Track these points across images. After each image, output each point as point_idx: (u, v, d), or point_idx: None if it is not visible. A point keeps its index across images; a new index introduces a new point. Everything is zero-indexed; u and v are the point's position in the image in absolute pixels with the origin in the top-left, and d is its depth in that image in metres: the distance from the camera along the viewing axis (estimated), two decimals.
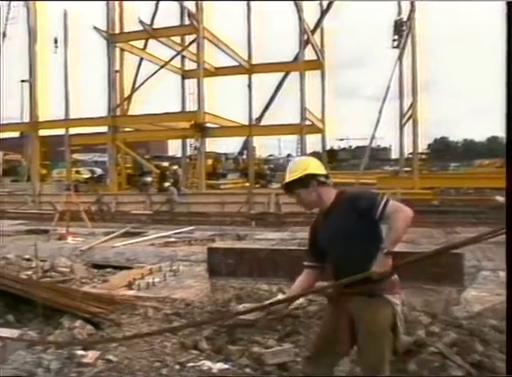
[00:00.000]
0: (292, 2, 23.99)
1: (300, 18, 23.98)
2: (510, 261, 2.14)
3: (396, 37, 26.28)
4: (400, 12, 26.22)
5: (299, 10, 23.85)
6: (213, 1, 27.75)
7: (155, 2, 29.47)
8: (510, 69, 2.21)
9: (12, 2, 30.85)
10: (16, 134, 36.07)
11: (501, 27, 1.95)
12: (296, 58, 25.81)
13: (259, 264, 8.03)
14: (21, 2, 29.04)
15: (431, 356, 4.37)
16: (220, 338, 5.15)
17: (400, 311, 3.10)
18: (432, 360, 4.33)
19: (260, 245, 10.48)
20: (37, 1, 27.23)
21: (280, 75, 29.60)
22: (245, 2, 28.49)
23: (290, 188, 3.12)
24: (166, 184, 22.18)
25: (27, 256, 10.25)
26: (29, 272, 8.78)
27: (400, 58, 25.21)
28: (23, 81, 34.27)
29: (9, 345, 4.38)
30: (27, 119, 29.12)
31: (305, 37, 25.09)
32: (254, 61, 29.00)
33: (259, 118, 29.09)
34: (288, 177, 3.09)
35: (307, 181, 3.04)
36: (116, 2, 26.43)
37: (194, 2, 25.43)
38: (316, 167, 3.12)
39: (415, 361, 4.33)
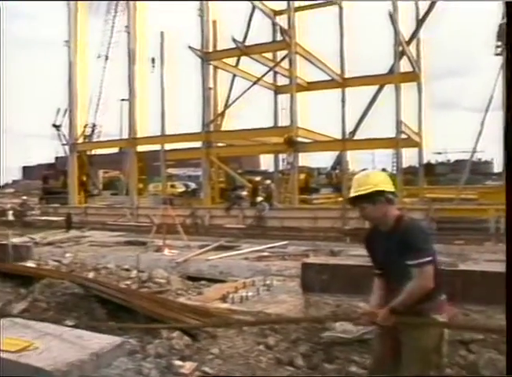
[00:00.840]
0: (386, 14, 23.45)
1: (395, 29, 23.40)
2: (509, 262, 2.21)
3: (499, 43, 24.82)
4: (504, 16, 24.76)
5: (394, 22, 23.28)
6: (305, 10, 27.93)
7: (247, 20, 30.22)
8: (510, 71, 2.17)
9: (116, 28, 32.82)
10: (114, 150, 38.07)
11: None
12: (391, 70, 25.19)
13: (354, 281, 7.78)
14: (123, 28, 30.80)
15: None
16: (316, 355, 5.00)
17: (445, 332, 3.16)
18: None
19: (355, 261, 10.18)
20: (137, 26, 28.78)
21: (375, 87, 29.04)
22: (337, 16, 28.47)
23: (357, 201, 3.13)
24: (259, 198, 22.29)
25: (126, 266, 10.67)
26: (128, 282, 9.10)
27: (504, 66, 23.87)
28: (122, 100, 36.19)
29: (113, 351, 4.51)
30: (125, 136, 30.66)
31: (400, 48, 24.44)
32: (347, 75, 28.79)
33: (353, 132, 28.63)
34: (356, 191, 3.11)
35: (376, 197, 3.06)
36: (210, 22, 27.19)
37: (286, 18, 25.73)
38: (386, 184, 3.10)
39: None
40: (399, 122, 22.45)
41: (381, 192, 3.06)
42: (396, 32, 23.43)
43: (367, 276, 7.61)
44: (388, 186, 3.10)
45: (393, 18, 23.20)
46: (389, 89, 25.35)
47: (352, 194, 3.13)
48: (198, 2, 26.40)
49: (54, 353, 4.32)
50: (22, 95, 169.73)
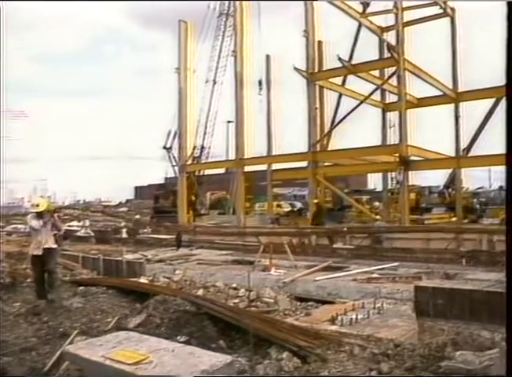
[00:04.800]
0: (504, 19, 22.16)
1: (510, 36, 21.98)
2: (509, 262, 2.25)
3: None
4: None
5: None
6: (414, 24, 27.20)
7: (353, 38, 30.04)
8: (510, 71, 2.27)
9: (222, 53, 34.03)
10: (220, 170, 39.13)
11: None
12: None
13: (473, 307, 7.30)
14: (230, 52, 31.87)
15: None
16: None
17: None
18: None
19: (472, 286, 9.55)
20: (244, 50, 29.60)
21: (491, 101, 27.44)
22: (448, 29, 27.45)
23: None
24: (377, 217, 21.86)
25: (234, 285, 10.79)
26: (236, 301, 9.18)
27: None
28: (228, 122, 37.13)
29: (223, 369, 4.50)
30: (231, 157, 31.36)
31: None
32: (461, 89, 27.60)
33: (467, 149, 27.20)
34: None
35: None
36: (315, 43, 27.29)
37: (394, 35, 25.22)
38: None
39: None
40: None
41: None
42: None
43: (487, 303, 7.14)
44: None
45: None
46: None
47: None
48: (303, 24, 26.64)
49: (167, 367, 4.39)
50: (136, 121, 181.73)
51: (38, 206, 8.68)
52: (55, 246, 8.78)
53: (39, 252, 8.49)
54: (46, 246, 8.54)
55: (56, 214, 8.95)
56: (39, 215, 8.59)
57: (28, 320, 7.15)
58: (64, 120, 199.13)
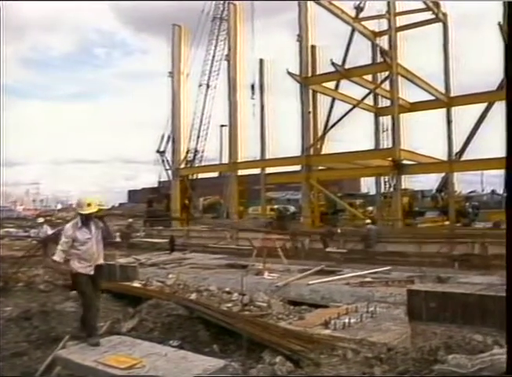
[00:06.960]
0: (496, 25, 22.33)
1: (505, 41, 22.15)
2: (509, 264, 2.35)
3: None
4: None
5: (504, 33, 22.09)
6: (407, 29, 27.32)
7: (346, 43, 30.22)
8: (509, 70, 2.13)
9: (216, 57, 34.04)
10: (214, 174, 39.04)
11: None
12: (501, 86, 23.85)
13: (465, 310, 7.33)
14: (223, 56, 31.94)
15: None
16: None
17: None
18: None
19: (465, 289, 9.57)
20: (237, 54, 29.71)
21: (483, 106, 27.65)
22: (440, 33, 27.62)
23: None
24: (367, 221, 21.82)
25: (227, 289, 10.75)
26: (229, 305, 9.15)
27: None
28: (222, 125, 37.10)
29: (216, 374, 4.50)
30: (225, 160, 31.35)
31: None
32: (454, 93, 27.76)
33: (460, 153, 27.37)
34: None
35: None
36: (309, 47, 27.38)
37: (386, 40, 25.35)
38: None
39: None
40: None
41: None
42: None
43: (479, 306, 7.16)
44: None
45: (503, 29, 22.06)
46: (499, 106, 23.98)
47: None
48: (297, 28, 26.73)
49: (160, 372, 4.39)
50: (129, 124, 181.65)
51: (89, 205, 6.00)
52: (103, 261, 6.36)
53: (91, 271, 5.96)
54: (98, 262, 6.11)
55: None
56: (86, 220, 6.02)
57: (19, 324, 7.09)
58: (56, 124, 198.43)
